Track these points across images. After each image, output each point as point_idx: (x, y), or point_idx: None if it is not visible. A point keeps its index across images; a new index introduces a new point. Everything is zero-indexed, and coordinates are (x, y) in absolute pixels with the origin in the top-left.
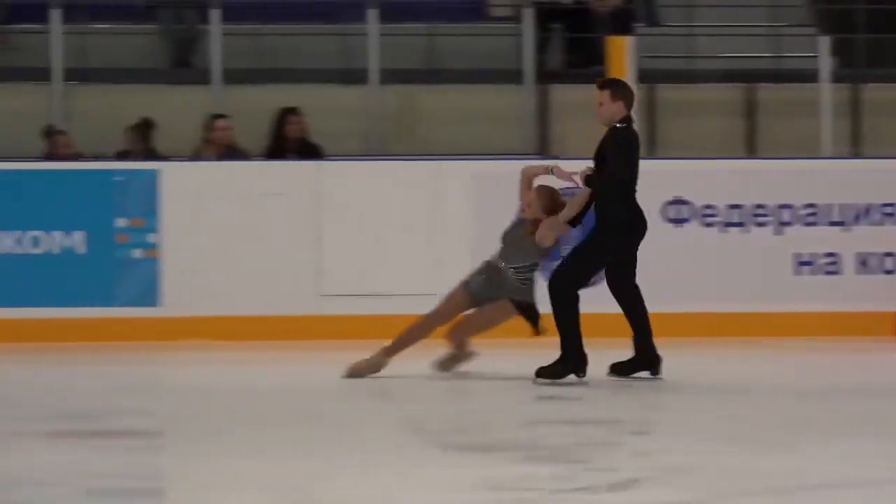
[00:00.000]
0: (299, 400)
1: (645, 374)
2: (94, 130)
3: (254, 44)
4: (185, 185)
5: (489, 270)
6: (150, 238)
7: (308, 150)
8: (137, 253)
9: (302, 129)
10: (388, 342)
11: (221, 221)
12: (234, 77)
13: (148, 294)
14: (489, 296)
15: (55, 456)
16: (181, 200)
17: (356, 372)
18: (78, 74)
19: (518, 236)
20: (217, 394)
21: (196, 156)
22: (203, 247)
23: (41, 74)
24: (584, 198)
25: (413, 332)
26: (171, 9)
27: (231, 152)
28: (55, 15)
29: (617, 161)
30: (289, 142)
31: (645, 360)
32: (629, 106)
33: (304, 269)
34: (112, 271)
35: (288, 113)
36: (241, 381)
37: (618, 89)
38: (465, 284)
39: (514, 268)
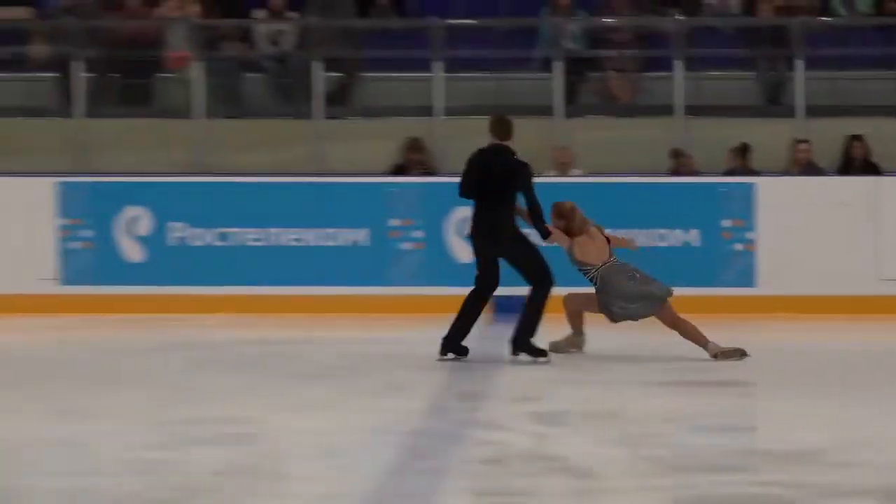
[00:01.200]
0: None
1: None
2: (708, 154)
3: (830, 84)
4: (776, 195)
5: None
6: (747, 235)
7: (869, 169)
8: (738, 246)
9: (864, 151)
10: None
11: (800, 223)
12: (814, 111)
13: (745, 277)
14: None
15: (662, 401)
16: (774, 206)
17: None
18: (695, 110)
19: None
20: (803, 354)
21: (784, 172)
22: (791, 240)
23: (666, 111)
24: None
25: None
26: (763, 59)
27: (810, 169)
28: (678, 65)
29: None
30: (854, 161)
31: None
32: None
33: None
34: (716, 260)
35: (854, 139)
36: (808, 346)
37: None
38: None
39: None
